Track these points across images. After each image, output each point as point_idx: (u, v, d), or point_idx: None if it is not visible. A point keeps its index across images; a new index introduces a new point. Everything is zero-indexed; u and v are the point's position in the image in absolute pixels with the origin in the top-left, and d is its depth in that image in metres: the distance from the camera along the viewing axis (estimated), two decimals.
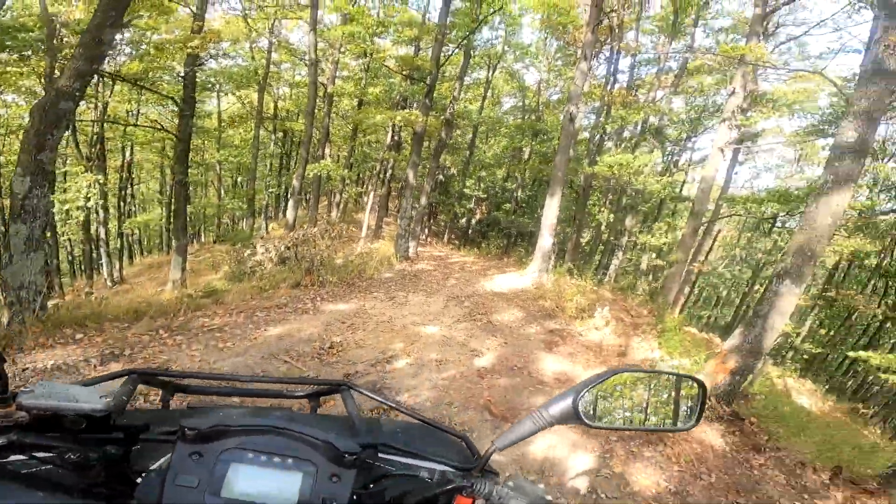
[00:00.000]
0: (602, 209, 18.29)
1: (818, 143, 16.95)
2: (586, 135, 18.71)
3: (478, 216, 22.81)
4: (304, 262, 8.59)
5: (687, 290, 19.48)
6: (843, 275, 15.31)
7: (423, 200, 15.12)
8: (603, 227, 19.40)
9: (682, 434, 4.75)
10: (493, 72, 20.63)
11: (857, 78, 5.81)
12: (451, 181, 21.98)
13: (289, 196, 13.74)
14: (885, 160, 13.17)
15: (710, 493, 3.87)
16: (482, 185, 22.80)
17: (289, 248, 8.89)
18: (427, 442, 1.11)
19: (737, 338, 5.64)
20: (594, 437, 4.43)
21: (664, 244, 16.71)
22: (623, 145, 17.51)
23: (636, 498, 3.68)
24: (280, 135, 23.23)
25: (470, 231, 22.72)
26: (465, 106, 21.87)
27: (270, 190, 21.56)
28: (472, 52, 16.86)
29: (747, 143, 17.50)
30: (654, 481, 3.95)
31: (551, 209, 11.42)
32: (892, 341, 14.38)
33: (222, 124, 21.65)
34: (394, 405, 1.25)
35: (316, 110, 14.05)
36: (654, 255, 18.42)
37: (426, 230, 21.07)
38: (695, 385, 0.98)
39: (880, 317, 12.88)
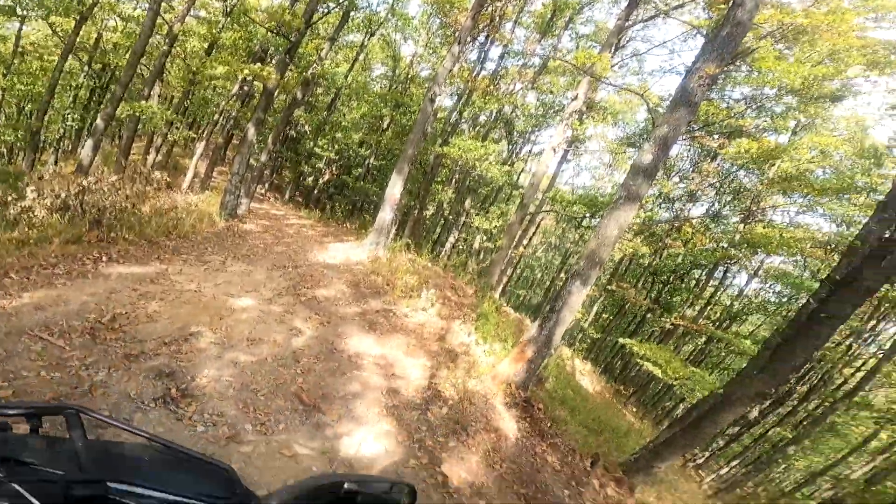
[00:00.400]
0: (446, 188, 18.98)
1: (628, 153, 20.02)
2: (445, 114, 19.03)
3: (326, 177, 21.70)
4: (90, 213, 6.97)
5: (510, 271, 21.62)
6: (624, 269, 18.62)
7: (264, 157, 13.67)
8: (445, 206, 20.18)
9: (482, 422, 5.19)
10: (371, 38, 19.48)
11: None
12: (303, 139, 20.38)
13: (90, 135, 11.04)
14: (670, 177, 16.11)
15: (501, 485, 4.26)
16: (335, 146, 21.67)
17: (76, 196, 7.11)
18: (179, 473, 1.00)
19: (534, 330, 6.32)
20: (404, 430, 4.53)
21: (494, 227, 18.10)
22: (477, 129, 18.22)
23: (442, 489, 3.85)
24: (98, 66, 18.51)
25: (316, 191, 21.53)
26: (333, 67, 20.31)
27: (70, 123, 17.16)
28: (351, 15, 15.58)
29: (576, 144, 19.79)
30: (457, 473, 4.19)
31: (397, 185, 11.35)
32: (650, 330, 18.08)
33: (20, 50, 16.33)
34: (137, 431, 1.06)
35: (150, 49, 11.44)
36: (484, 238, 19.88)
37: (266, 185, 19.27)
38: (406, 490, 0.98)
39: (644, 308, 16.08)
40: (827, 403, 12.00)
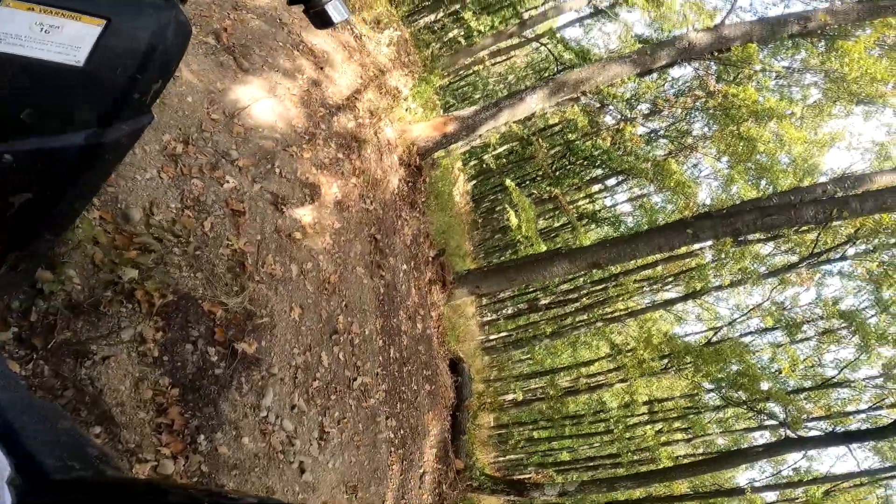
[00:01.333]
0: None
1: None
2: None
3: None
4: None
5: (461, 76, 19.70)
6: (550, 133, 18.67)
7: None
8: None
9: (374, 157, 4.96)
10: None
11: None
12: None
13: None
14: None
15: (361, 219, 4.26)
16: None
17: None
18: None
19: (469, 111, 6.06)
20: (303, 120, 4.02)
21: (479, 29, 15.63)
22: None
23: (307, 189, 3.64)
24: None
25: None
26: None
27: None
28: None
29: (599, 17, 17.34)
30: (330, 187, 4.00)
31: None
32: (531, 191, 19.24)
33: None
34: None
35: None
36: (462, 33, 17.22)
37: None
38: None
39: (541, 172, 16.81)
40: (589, 319, 14.80)
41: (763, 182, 10.27)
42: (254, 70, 3.78)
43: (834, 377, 11.62)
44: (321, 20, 1.15)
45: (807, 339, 12.91)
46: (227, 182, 2.87)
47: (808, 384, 12.21)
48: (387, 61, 7.01)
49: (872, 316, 11.31)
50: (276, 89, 3.86)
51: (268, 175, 3.28)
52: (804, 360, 12.71)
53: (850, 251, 10.66)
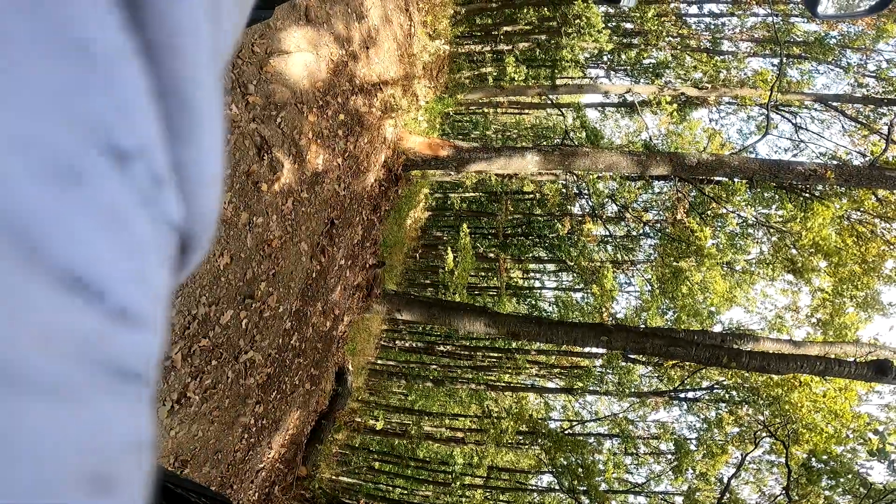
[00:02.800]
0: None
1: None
2: None
3: None
4: None
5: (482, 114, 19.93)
6: (521, 198, 19.51)
7: None
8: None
9: (367, 148, 4.82)
10: None
11: None
12: None
13: None
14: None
15: (328, 198, 4.08)
16: None
17: None
18: None
19: (469, 145, 6.11)
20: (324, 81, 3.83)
21: (519, 75, 16.15)
22: None
23: (295, 149, 3.44)
24: None
25: None
26: None
27: None
28: None
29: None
30: (317, 154, 3.81)
31: None
32: (485, 235, 19.85)
33: None
34: None
35: None
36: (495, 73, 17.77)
37: None
38: None
39: (497, 231, 17.44)
40: (474, 379, 15.29)
41: (669, 314, 11.41)
42: (315, 23, 3.59)
43: (641, 484, 12.95)
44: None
45: (636, 452, 14.20)
46: (231, 109, 2.63)
47: (618, 487, 13.38)
48: (421, 68, 6.99)
49: (695, 450, 12.83)
50: (320, 49, 3.68)
51: (268, 120, 3.06)
52: (627, 465, 13.99)
53: (705, 395, 12.21)
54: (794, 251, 8.71)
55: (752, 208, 7.95)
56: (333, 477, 13.84)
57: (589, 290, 13.08)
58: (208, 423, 3.92)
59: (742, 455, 10.58)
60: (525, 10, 11.49)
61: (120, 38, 0.12)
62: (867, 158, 7.04)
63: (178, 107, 0.15)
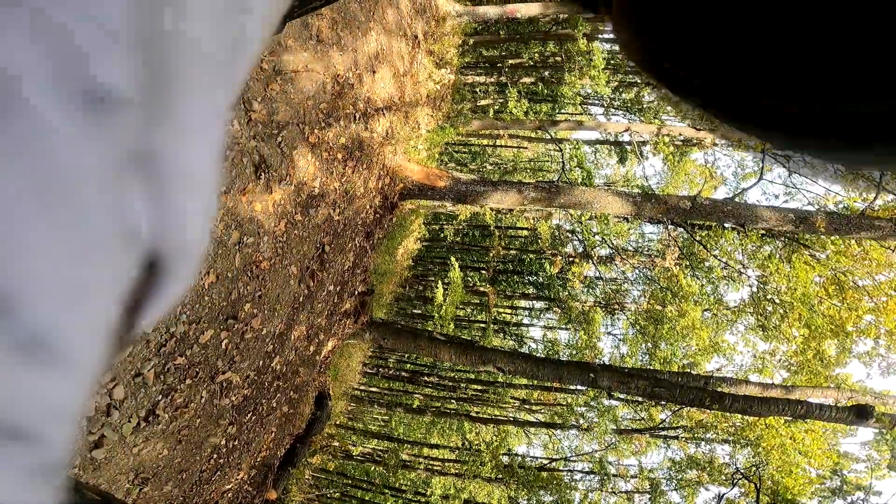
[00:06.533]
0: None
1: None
2: None
3: None
4: None
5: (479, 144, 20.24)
6: (518, 233, 19.52)
7: None
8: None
9: (365, 174, 4.82)
10: None
11: None
12: None
13: None
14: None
15: (322, 222, 4.05)
16: None
17: None
18: None
19: (467, 177, 6.10)
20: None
21: (523, 112, 16.44)
22: None
23: (293, 170, 3.43)
24: None
25: None
26: None
27: None
28: None
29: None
30: (315, 176, 3.80)
31: None
32: (476, 267, 19.84)
33: None
34: None
35: None
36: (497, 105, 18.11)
37: None
38: None
39: (492, 262, 17.47)
40: (457, 411, 15.15)
41: (647, 357, 11.43)
42: (325, 44, 3.63)
43: None
44: None
45: (614, 491, 13.94)
46: (233, 125, 2.62)
47: None
48: (425, 96, 7.07)
49: (672, 490, 12.58)
50: (329, 70, 3.71)
51: (268, 138, 3.05)
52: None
53: (682, 434, 12.13)
54: (775, 301, 8.80)
55: (739, 253, 8.10)
56: (304, 501, 13.41)
57: (576, 329, 13.06)
58: (175, 441, 3.77)
59: (718, 495, 10.54)
60: (531, 45, 11.77)
61: None
62: (862, 203, 6.93)
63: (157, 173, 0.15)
